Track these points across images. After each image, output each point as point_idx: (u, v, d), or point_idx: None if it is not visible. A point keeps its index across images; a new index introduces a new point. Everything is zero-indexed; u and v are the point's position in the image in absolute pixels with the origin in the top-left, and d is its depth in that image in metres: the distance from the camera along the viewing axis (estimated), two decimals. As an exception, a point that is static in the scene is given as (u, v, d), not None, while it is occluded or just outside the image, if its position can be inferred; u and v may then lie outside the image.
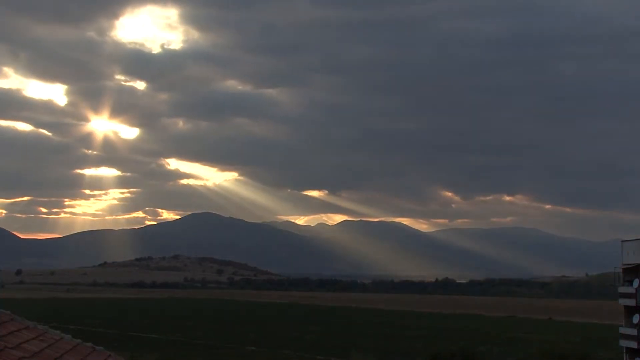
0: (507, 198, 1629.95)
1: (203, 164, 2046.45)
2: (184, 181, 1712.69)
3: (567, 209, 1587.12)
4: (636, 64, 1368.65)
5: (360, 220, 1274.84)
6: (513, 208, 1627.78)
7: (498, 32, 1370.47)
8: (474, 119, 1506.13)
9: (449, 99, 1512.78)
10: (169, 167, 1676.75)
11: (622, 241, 56.23)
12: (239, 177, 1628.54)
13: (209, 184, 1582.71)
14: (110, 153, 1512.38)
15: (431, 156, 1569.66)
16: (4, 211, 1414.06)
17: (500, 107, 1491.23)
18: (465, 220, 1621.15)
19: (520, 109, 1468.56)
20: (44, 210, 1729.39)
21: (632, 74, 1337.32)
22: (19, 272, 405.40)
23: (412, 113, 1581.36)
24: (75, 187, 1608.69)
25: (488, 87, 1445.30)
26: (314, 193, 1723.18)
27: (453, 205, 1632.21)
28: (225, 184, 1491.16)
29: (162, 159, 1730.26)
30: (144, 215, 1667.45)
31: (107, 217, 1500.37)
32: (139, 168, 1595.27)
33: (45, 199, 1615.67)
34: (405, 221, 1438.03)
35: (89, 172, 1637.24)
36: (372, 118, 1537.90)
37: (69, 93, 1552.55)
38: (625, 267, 55.03)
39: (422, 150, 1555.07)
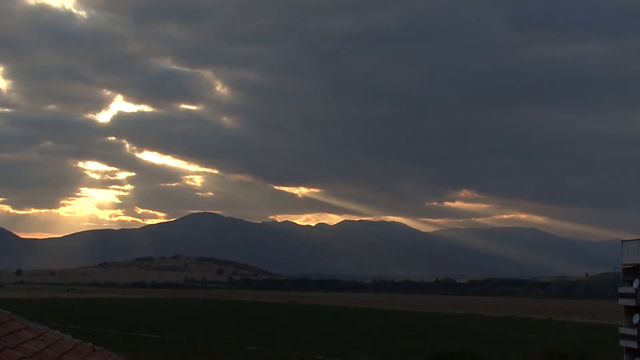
0: (485, 196, 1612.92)
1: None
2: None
3: (557, 207, 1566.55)
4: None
5: (360, 220, 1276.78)
6: (493, 205, 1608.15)
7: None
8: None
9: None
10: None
11: (622, 241, 56.22)
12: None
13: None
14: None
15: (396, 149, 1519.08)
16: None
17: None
18: (447, 220, 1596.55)
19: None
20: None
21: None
22: (19, 272, 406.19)
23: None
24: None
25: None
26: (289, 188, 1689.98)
27: (435, 203, 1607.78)
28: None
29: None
30: (135, 215, 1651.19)
31: (105, 217, 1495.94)
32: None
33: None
34: (403, 221, 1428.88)
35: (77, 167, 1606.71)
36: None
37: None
38: (625, 267, 55.02)
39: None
